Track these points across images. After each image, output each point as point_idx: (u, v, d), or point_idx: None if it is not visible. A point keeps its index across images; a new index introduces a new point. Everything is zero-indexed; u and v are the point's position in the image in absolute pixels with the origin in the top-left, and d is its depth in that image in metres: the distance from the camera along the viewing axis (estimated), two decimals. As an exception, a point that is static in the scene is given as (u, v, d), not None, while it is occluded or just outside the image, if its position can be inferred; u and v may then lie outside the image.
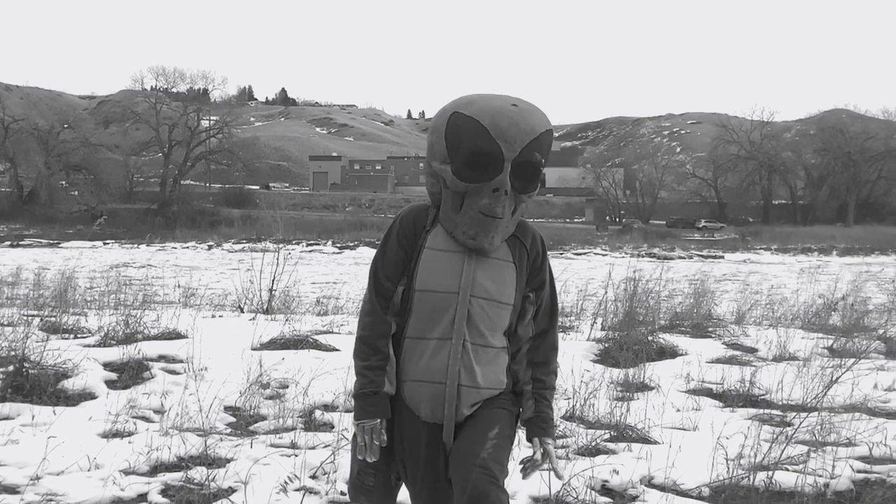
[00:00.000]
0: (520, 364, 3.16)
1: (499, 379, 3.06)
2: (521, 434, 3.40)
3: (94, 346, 8.49)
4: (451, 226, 2.99)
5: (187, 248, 53.80)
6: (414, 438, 3.01)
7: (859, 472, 5.30)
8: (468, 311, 2.95)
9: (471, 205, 2.91)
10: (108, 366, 7.64)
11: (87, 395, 6.93)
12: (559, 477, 3.05)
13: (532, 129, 2.86)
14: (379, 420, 2.99)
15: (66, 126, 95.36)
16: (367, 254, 49.06)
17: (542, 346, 3.16)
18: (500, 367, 3.07)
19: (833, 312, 12.94)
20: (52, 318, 9.60)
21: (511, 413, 3.10)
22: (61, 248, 51.03)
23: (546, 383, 3.14)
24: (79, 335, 9.19)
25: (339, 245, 56.34)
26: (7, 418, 6.19)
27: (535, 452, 3.03)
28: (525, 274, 3.08)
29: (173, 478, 5.17)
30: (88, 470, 5.27)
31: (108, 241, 56.16)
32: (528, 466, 3.04)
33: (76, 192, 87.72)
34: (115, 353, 7.89)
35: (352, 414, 6.66)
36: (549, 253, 3.24)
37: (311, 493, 5.01)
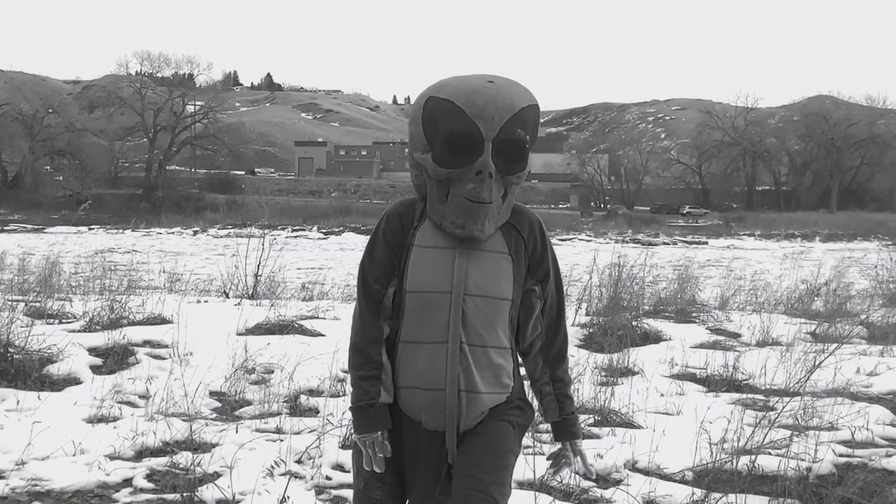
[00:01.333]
0: (534, 363, 2.99)
1: (501, 382, 2.85)
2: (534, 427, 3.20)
3: (78, 331, 8.48)
4: (438, 217, 2.79)
5: (172, 233, 53.72)
6: (414, 447, 2.84)
7: (841, 455, 5.34)
8: (463, 311, 2.75)
9: (456, 192, 2.72)
10: (93, 351, 7.64)
11: (72, 381, 6.93)
12: (591, 477, 3.12)
13: (511, 105, 2.66)
14: (379, 432, 2.80)
15: (50, 111, 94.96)
16: (353, 239, 49.12)
17: (555, 342, 2.97)
18: (503, 370, 2.85)
19: (816, 298, 13.00)
20: (37, 304, 9.58)
21: (518, 427, 2.92)
22: (46, 233, 50.90)
23: (565, 381, 2.99)
24: (64, 320, 9.17)
25: (324, 231, 56.32)
26: (-8, 403, 6.18)
27: (566, 455, 2.96)
28: (524, 265, 2.87)
29: (158, 463, 5.19)
30: (73, 455, 5.27)
31: (92, 227, 56.01)
32: (558, 465, 2.99)
33: (61, 178, 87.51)
34: (100, 339, 7.88)
35: (337, 399, 6.69)
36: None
37: (296, 477, 5.02)
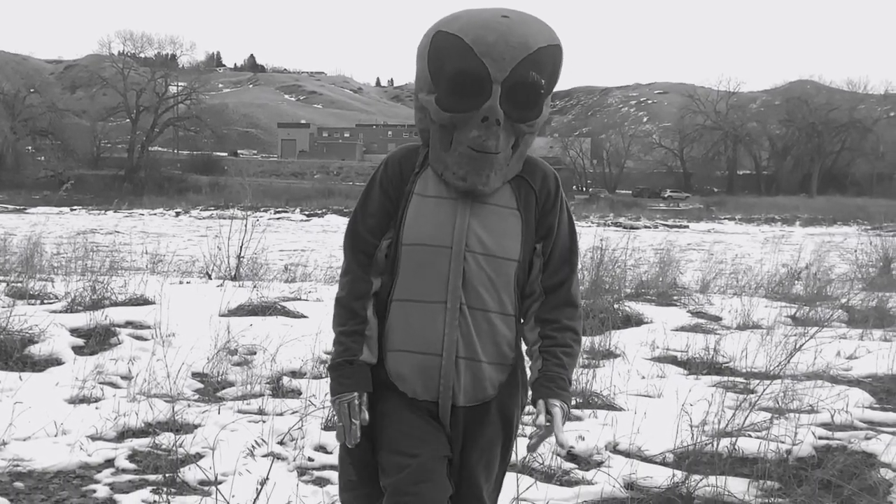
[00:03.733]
0: (528, 324, 2.66)
1: (502, 352, 2.58)
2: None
3: (60, 311, 8.45)
4: (440, 166, 2.53)
5: (155, 214, 53.59)
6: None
7: (821, 438, 5.38)
8: (464, 269, 2.49)
9: (460, 140, 2.46)
10: (75, 332, 7.60)
11: (53, 361, 6.90)
12: (562, 446, 2.57)
13: (524, 44, 2.36)
14: (357, 393, 2.50)
15: (32, 90, 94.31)
16: (335, 221, 49.07)
17: (553, 301, 2.62)
18: (505, 337, 2.58)
19: (796, 282, 13.10)
20: (19, 284, 9.52)
21: (517, 417, 2.70)
22: (27, 213, 50.55)
23: (557, 339, 2.59)
24: (45, 301, 9.13)
25: (307, 212, 56.20)
26: (-28, 384, 6.16)
27: (537, 416, 2.50)
28: (534, 222, 2.59)
29: (140, 443, 5.18)
30: (55, 435, 5.26)
31: (74, 207, 55.75)
32: (534, 437, 2.54)
33: (43, 158, 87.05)
34: (82, 319, 7.85)
35: (319, 380, 6.65)
36: None
37: (278, 458, 5.02)
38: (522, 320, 2.67)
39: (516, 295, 2.60)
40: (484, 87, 2.38)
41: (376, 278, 2.59)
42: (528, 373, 2.69)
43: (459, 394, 2.54)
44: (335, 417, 2.56)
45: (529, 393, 2.68)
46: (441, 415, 2.56)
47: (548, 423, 2.49)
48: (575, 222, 2.71)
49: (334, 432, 2.74)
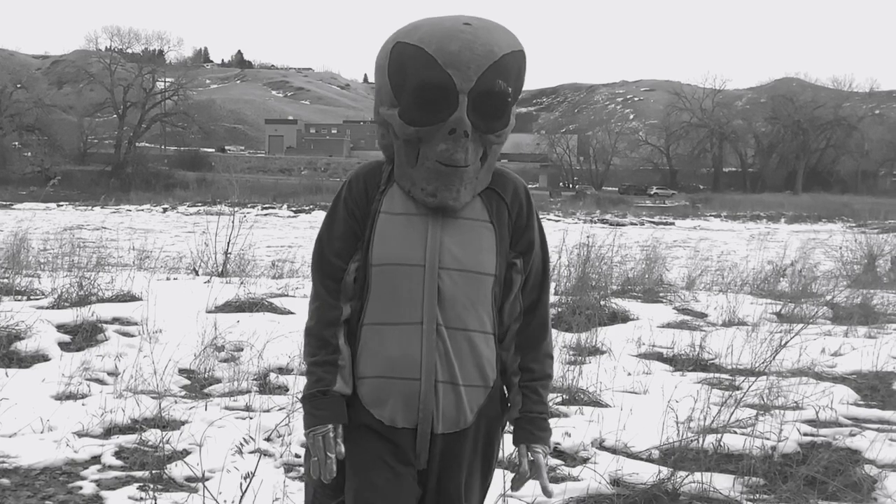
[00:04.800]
0: (508, 349, 2.54)
1: (483, 374, 2.45)
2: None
3: (47, 307, 8.43)
4: (407, 183, 2.42)
5: (142, 210, 53.36)
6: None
7: (806, 435, 5.41)
8: (439, 288, 2.36)
9: (427, 154, 2.35)
10: (61, 328, 7.59)
11: (40, 357, 6.89)
12: (547, 494, 2.45)
13: (490, 51, 2.27)
14: (331, 426, 2.38)
15: (18, 86, 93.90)
16: (322, 218, 48.95)
17: (532, 325, 2.53)
18: (485, 358, 2.44)
19: (781, 278, 13.15)
20: (5, 280, 9.52)
21: (497, 442, 2.57)
22: (14, 209, 50.29)
23: (536, 372, 2.52)
24: (32, 297, 9.11)
25: (294, 209, 56.09)
26: (-42, 380, 6.14)
27: (521, 463, 2.45)
28: (507, 235, 2.48)
29: (127, 440, 5.18)
30: (41, 432, 5.26)
31: (61, 203, 55.52)
32: (516, 479, 2.48)
33: (29, 153, 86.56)
34: (68, 315, 7.83)
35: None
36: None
37: (265, 455, 5.04)
38: (500, 341, 2.53)
39: (495, 311, 2.48)
40: (450, 98, 2.28)
41: (346, 304, 2.46)
42: (507, 394, 2.59)
43: (438, 421, 2.40)
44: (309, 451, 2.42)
45: (509, 425, 2.59)
46: (419, 444, 2.43)
47: (530, 469, 2.45)
48: (546, 237, 2.62)
49: (304, 465, 2.49)
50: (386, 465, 2.40)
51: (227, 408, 5.88)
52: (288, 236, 31.67)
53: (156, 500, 4.25)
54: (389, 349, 2.38)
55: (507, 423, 2.59)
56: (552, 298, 10.03)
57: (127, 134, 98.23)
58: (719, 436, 5.17)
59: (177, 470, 4.70)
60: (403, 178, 2.43)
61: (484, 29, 2.31)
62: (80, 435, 5.25)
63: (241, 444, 5.06)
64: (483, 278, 2.41)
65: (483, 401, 2.47)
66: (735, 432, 5.38)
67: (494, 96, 2.32)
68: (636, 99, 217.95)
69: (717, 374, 7.28)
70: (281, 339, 7.33)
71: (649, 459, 5.20)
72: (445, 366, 2.37)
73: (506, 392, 2.59)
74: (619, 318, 9.55)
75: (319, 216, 50.14)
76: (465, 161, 2.34)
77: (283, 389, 6.46)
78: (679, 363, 7.69)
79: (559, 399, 6.35)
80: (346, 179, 2.53)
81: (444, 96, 2.28)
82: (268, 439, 5.26)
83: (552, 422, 2.59)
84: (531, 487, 4.60)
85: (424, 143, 2.35)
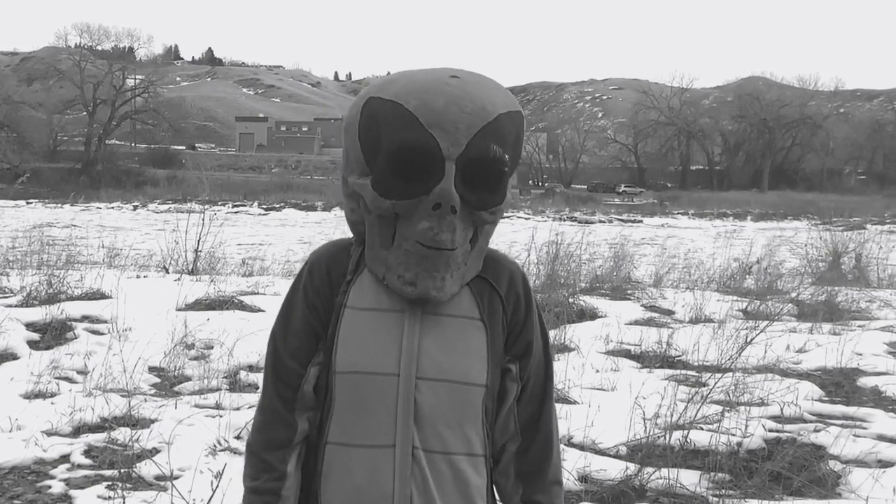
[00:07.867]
0: (505, 476, 2.04)
1: None
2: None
3: (15, 305, 8.38)
4: (381, 269, 1.91)
5: (112, 208, 52.91)
6: None
7: (771, 430, 5.48)
8: (416, 402, 1.87)
9: (405, 234, 1.86)
10: (30, 326, 7.56)
11: (8, 356, 6.86)
12: None
13: (482, 109, 1.81)
14: None
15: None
16: (293, 216, 48.95)
17: (532, 445, 2.04)
18: (473, 487, 1.93)
19: (747, 276, 13.27)
20: (-28, 278, 9.44)
21: None
22: (-18, 207, 49.75)
23: None
24: (0, 295, 9.04)
25: (265, 206, 55.89)
26: (-76, 380, 6.10)
27: None
28: (502, 335, 1.98)
29: (96, 438, 5.17)
30: (10, 431, 5.24)
31: (30, 201, 54.95)
32: None
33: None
34: (37, 314, 7.79)
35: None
36: None
37: (235, 453, 5.04)
38: (494, 462, 2.04)
39: (485, 430, 1.97)
40: (434, 165, 1.80)
41: (302, 417, 1.97)
42: None
43: None
44: None
45: None
46: None
47: None
48: (548, 333, 2.15)
49: None
50: None
51: (196, 406, 5.88)
52: (258, 234, 31.58)
53: (125, 499, 4.24)
54: (356, 477, 1.88)
55: None
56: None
57: (97, 131, 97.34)
58: (686, 432, 5.23)
59: (146, 469, 4.70)
60: (376, 262, 1.93)
61: (475, 83, 1.87)
62: (49, 434, 5.24)
63: (215, 446, 5.06)
64: (472, 390, 1.92)
65: None
66: (701, 429, 5.44)
67: (488, 164, 1.84)
68: (605, 97, 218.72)
69: (683, 371, 7.34)
70: (251, 336, 7.32)
71: (617, 456, 5.25)
72: (425, 499, 1.87)
73: None
74: (588, 315, 9.60)
75: (290, 213, 50.22)
76: (451, 243, 1.85)
77: (253, 387, 6.47)
78: (646, 360, 7.75)
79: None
80: (307, 263, 2.03)
81: (427, 163, 1.81)
82: (238, 437, 5.26)
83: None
84: None
85: (402, 219, 1.87)
